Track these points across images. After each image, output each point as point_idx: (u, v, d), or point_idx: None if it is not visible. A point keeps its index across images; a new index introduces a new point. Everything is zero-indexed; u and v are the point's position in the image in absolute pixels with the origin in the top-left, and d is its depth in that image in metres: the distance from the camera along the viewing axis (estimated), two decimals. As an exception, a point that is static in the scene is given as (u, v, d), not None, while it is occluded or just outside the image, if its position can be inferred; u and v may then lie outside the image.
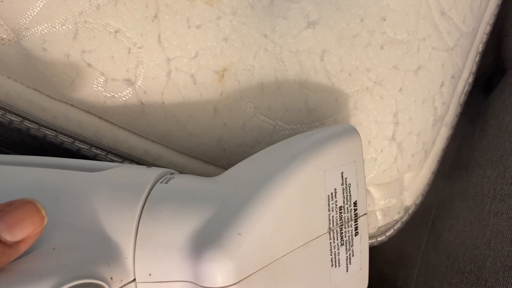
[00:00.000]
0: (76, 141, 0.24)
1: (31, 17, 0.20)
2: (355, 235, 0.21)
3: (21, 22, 0.21)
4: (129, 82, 0.22)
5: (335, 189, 0.20)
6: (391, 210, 0.27)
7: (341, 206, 0.20)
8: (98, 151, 0.24)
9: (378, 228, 0.27)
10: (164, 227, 0.17)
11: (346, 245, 0.20)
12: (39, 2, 0.20)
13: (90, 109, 0.23)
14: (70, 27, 0.21)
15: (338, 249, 0.20)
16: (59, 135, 0.23)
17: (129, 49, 0.21)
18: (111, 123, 0.24)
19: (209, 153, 0.24)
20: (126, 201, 0.18)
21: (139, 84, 0.22)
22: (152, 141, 0.24)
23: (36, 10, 0.20)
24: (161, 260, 0.17)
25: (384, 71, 0.24)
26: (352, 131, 0.21)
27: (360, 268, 0.21)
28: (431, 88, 0.26)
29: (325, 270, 0.20)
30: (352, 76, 0.24)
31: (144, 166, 0.21)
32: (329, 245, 0.20)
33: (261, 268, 0.17)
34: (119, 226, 0.17)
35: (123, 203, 0.18)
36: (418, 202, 0.29)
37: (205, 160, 0.25)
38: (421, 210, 0.29)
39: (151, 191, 0.18)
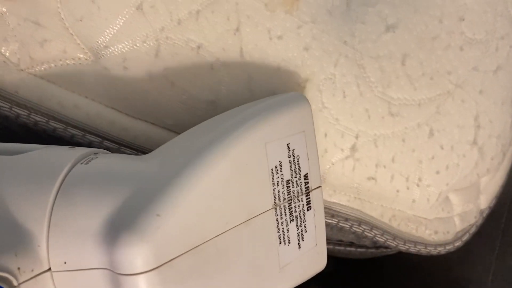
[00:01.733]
0: None
1: (110, 35, 0.20)
2: (308, 210, 0.19)
3: (100, 40, 0.20)
4: (211, 103, 0.21)
5: (280, 162, 0.18)
6: (468, 215, 0.26)
7: (288, 180, 0.19)
8: None
9: (456, 233, 0.26)
10: (79, 211, 0.15)
11: (296, 221, 0.19)
12: (119, 19, 0.20)
13: (172, 127, 0.23)
14: (152, 44, 0.20)
15: (287, 225, 0.19)
16: (139, 154, 0.23)
17: (212, 65, 0.21)
18: None
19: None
20: (40, 184, 0.16)
21: (221, 103, 0.21)
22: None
23: (116, 28, 0.20)
24: (76, 247, 0.15)
25: (464, 73, 0.23)
26: (299, 100, 0.19)
27: (316, 244, 0.20)
28: (509, 88, 0.25)
29: (272, 248, 0.18)
30: (434, 80, 0.23)
31: (68, 147, 0.19)
32: (276, 221, 0.18)
33: (188, 251, 0.15)
34: (31, 212, 0.16)
35: (36, 187, 0.16)
36: (492, 205, 0.28)
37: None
38: (493, 212, 0.29)
39: (69, 173, 0.16)
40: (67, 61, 0.21)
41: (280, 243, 0.18)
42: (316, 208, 0.20)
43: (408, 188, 0.24)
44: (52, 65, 0.21)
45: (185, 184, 0.15)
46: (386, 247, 0.27)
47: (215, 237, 0.16)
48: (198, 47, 0.21)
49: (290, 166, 0.19)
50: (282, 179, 0.18)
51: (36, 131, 0.22)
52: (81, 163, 0.17)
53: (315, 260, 0.20)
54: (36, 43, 0.20)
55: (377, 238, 0.24)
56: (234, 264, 0.17)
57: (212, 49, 0.21)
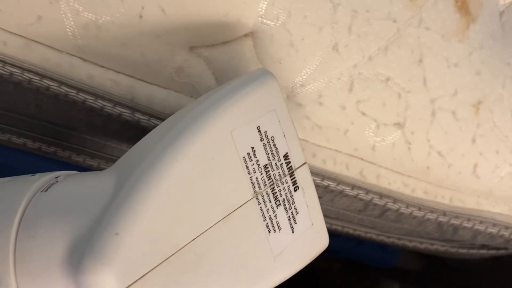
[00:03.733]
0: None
1: (307, 75, 0.22)
2: (295, 191, 0.18)
3: (297, 80, 0.22)
4: (399, 125, 0.24)
5: (253, 147, 0.17)
6: None
7: (266, 164, 0.17)
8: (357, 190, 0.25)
9: None
10: (41, 243, 0.15)
11: (284, 205, 0.18)
12: (316, 60, 0.22)
13: (354, 153, 0.24)
14: (345, 80, 0.22)
15: (274, 212, 0.18)
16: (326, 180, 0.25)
17: (399, 94, 0.23)
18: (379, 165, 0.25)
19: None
20: (1, 223, 0.16)
21: (407, 126, 0.24)
22: (409, 176, 0.25)
23: (313, 68, 0.22)
24: (45, 281, 0.15)
25: None
26: (262, 76, 0.18)
27: (312, 224, 0.19)
28: None
29: (261, 239, 0.17)
30: None
31: (30, 175, 0.18)
32: (260, 210, 0.17)
33: (160, 264, 0.14)
34: None
35: None
36: None
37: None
38: None
39: (29, 204, 0.16)
40: None
41: (270, 231, 0.17)
42: (304, 186, 0.18)
43: None
44: None
45: (142, 195, 0.14)
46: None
47: (190, 242, 0.15)
48: (387, 79, 0.23)
49: (265, 149, 0.17)
50: (259, 165, 0.17)
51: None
52: (41, 191, 0.16)
53: (314, 240, 0.19)
54: None
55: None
56: (220, 263, 0.16)
57: (399, 80, 0.23)
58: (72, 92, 0.21)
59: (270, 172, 0.18)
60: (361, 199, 0.25)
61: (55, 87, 0.21)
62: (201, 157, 0.16)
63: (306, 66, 0.22)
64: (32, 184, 0.17)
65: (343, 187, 0.24)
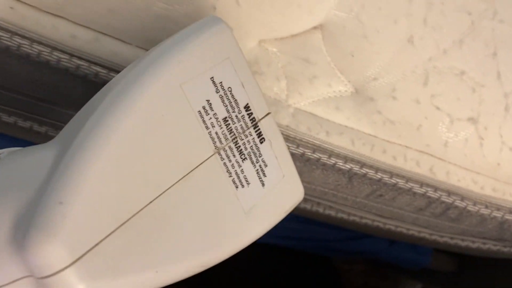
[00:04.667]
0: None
1: (380, 67, 0.22)
2: (261, 142, 0.17)
3: (369, 73, 0.22)
4: (472, 121, 0.23)
5: (208, 100, 0.16)
6: None
7: (225, 117, 0.16)
8: None
9: None
10: None
11: (250, 158, 0.17)
12: (390, 52, 0.22)
13: (426, 149, 0.24)
14: (420, 73, 0.22)
15: (240, 166, 0.17)
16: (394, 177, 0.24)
17: (473, 88, 0.23)
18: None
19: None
20: None
21: (480, 121, 0.23)
22: (478, 173, 0.24)
23: (386, 61, 0.22)
24: None
25: None
26: (212, 23, 0.17)
27: (284, 176, 0.18)
28: None
29: (229, 195, 0.16)
30: None
31: None
32: (224, 166, 0.16)
33: (114, 230, 0.14)
34: None
35: None
36: None
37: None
38: None
39: None
40: (329, 95, 0.23)
41: (237, 187, 0.17)
42: (271, 137, 0.18)
43: None
44: (316, 99, 0.23)
45: (84, 159, 0.13)
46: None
47: (147, 205, 0.14)
48: (462, 73, 0.23)
49: (223, 101, 0.17)
50: (217, 118, 0.16)
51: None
52: None
53: (288, 192, 0.18)
54: (305, 79, 0.22)
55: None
56: (186, 224, 0.15)
57: (473, 74, 0.23)
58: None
59: (231, 125, 0.17)
60: (429, 197, 0.24)
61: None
62: (149, 114, 0.15)
63: (380, 59, 0.21)
64: None
65: (412, 185, 0.23)
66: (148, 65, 0.15)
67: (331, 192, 0.27)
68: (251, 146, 0.17)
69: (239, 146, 0.17)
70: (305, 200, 0.29)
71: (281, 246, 0.40)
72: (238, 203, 0.17)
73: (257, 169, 0.17)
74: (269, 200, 0.18)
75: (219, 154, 0.16)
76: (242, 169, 0.17)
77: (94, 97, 0.16)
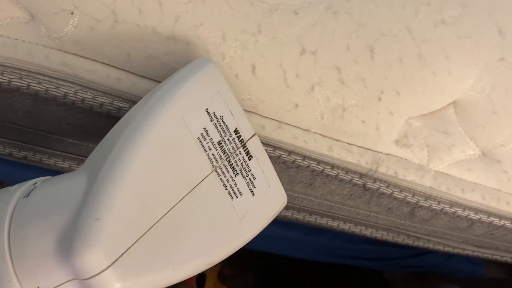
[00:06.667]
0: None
1: (507, 135, 0.26)
2: (250, 160, 0.21)
3: (497, 141, 0.26)
4: None
5: (205, 128, 0.20)
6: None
7: (219, 141, 0.20)
8: None
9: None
10: (32, 240, 0.18)
11: (242, 173, 0.21)
12: None
13: None
14: None
15: (233, 180, 0.20)
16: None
17: None
18: None
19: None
20: None
21: None
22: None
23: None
24: (42, 271, 0.17)
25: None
26: (202, 64, 0.20)
27: (270, 186, 0.22)
28: None
29: (226, 205, 0.20)
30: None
31: (10, 186, 0.21)
32: (221, 181, 0.20)
33: (140, 238, 0.17)
34: None
35: None
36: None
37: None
38: None
39: (14, 210, 0.19)
40: (461, 158, 0.27)
41: (232, 197, 0.20)
42: (257, 155, 0.21)
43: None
44: (452, 162, 0.27)
45: (113, 183, 0.17)
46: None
47: (163, 216, 0.18)
48: None
49: (217, 128, 0.20)
50: (213, 142, 0.20)
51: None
52: (23, 197, 0.19)
53: (273, 199, 0.22)
54: (445, 148, 0.26)
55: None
56: (193, 230, 0.19)
57: None
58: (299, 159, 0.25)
59: (224, 147, 0.20)
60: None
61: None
62: (159, 144, 0.18)
63: (507, 129, 0.26)
64: (13, 193, 0.19)
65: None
66: (154, 104, 0.19)
67: (457, 234, 0.35)
68: (242, 163, 0.21)
69: (232, 164, 0.21)
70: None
71: (354, 266, 0.46)
72: (234, 211, 0.20)
73: (248, 182, 0.21)
74: (259, 206, 0.21)
75: (216, 171, 0.20)
76: (236, 183, 0.21)
77: (112, 130, 0.20)
